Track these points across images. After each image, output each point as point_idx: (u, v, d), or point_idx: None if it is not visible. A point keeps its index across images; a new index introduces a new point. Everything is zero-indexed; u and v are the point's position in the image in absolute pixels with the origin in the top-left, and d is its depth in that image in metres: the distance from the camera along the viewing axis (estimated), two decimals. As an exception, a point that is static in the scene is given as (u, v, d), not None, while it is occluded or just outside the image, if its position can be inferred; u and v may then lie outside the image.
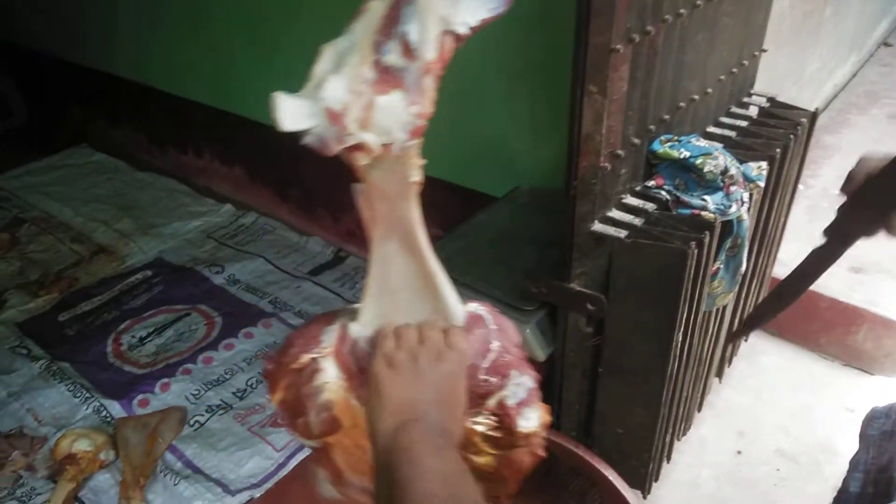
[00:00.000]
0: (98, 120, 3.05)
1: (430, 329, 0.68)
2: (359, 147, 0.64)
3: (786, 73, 1.78)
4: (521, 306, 1.16)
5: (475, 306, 0.77)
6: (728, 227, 1.09)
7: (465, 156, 1.60)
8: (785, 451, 1.42)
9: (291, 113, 0.62)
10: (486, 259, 1.27)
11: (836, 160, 2.11)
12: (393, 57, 0.61)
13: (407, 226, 0.71)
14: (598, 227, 1.03)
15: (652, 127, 1.06)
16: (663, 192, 1.09)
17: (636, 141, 1.02)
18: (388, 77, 0.61)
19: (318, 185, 2.22)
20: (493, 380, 0.71)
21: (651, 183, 1.10)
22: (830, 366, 1.62)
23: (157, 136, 2.81)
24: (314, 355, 0.72)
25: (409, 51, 0.61)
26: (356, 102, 0.61)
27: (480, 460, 0.74)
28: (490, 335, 0.74)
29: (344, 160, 0.66)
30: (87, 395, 1.63)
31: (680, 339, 1.09)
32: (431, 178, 1.99)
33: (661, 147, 1.08)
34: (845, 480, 0.88)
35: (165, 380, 1.68)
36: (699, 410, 1.45)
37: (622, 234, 1.01)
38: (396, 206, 0.70)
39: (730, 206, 1.06)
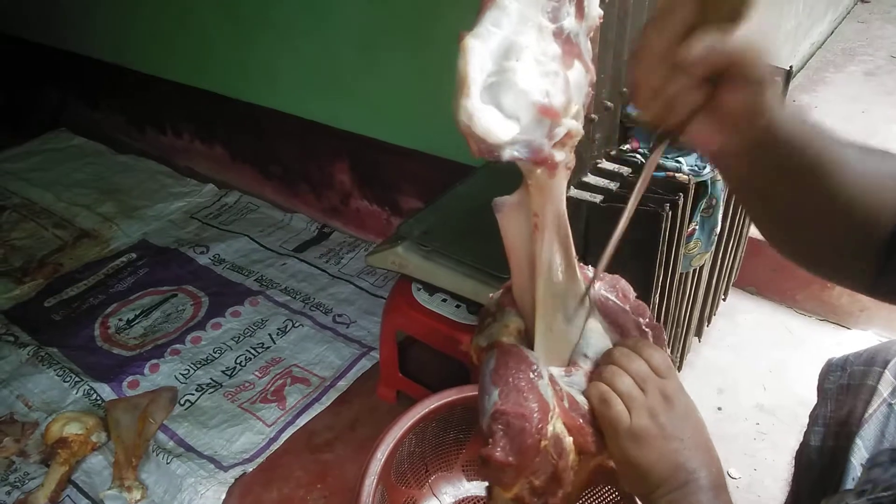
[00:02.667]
0: (75, 103, 3.00)
1: (630, 362, 0.62)
2: (560, 141, 0.54)
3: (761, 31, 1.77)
4: (502, 275, 1.17)
5: (598, 288, 0.69)
6: (703, 188, 1.10)
7: (441, 126, 1.60)
8: (764, 406, 1.46)
9: (497, 121, 0.49)
10: (467, 229, 1.28)
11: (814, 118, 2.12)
12: (570, 21, 0.52)
13: (562, 219, 0.60)
14: (573, 192, 1.04)
15: (625, 89, 1.06)
16: (638, 156, 1.10)
17: (609, 104, 1.03)
18: (569, 47, 0.52)
19: (300, 162, 2.21)
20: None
21: (626, 146, 1.11)
22: (807, 321, 1.66)
23: (135, 117, 2.78)
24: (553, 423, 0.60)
25: (581, 9, 0.52)
26: (555, 85, 0.51)
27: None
28: (617, 306, 0.69)
29: (525, 166, 0.55)
30: (77, 379, 1.63)
31: (657, 300, 1.11)
32: (410, 149, 2.00)
33: (635, 110, 1.09)
34: (806, 434, 0.90)
35: (154, 361, 1.69)
36: (679, 370, 1.49)
37: (597, 198, 1.02)
38: (557, 202, 0.59)
39: (704, 167, 1.07)
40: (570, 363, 0.68)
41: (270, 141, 2.25)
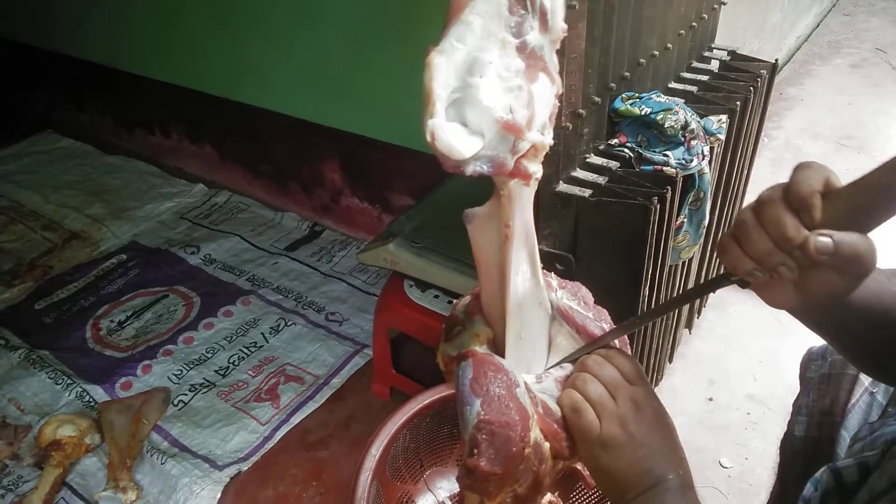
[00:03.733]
0: (62, 104, 2.98)
1: (602, 370, 0.64)
2: (527, 153, 0.54)
3: (747, 25, 1.79)
4: (493, 269, 1.18)
5: (559, 295, 0.71)
6: (690, 181, 1.11)
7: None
8: (754, 396, 1.47)
9: (459, 137, 0.50)
10: (456, 225, 1.28)
11: (799, 111, 2.14)
12: (534, 34, 0.52)
13: (530, 228, 0.61)
14: (562, 187, 1.05)
15: (613, 85, 1.07)
16: (626, 150, 1.10)
17: (597, 99, 1.04)
18: (533, 61, 0.52)
19: (290, 161, 2.21)
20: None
21: (614, 141, 1.12)
22: (797, 312, 1.67)
23: (124, 118, 2.76)
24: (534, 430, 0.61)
25: (545, 23, 0.52)
26: (518, 100, 0.51)
27: None
28: (580, 312, 0.70)
29: (498, 178, 0.56)
30: (69, 381, 1.63)
31: (647, 293, 1.12)
32: (400, 146, 2.00)
33: (623, 105, 1.09)
34: (790, 424, 0.91)
35: (147, 362, 1.69)
36: (670, 361, 1.50)
37: (587, 193, 1.03)
38: (526, 212, 0.60)
39: (691, 161, 1.08)
40: (541, 370, 0.69)
41: (260, 140, 2.25)
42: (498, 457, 0.58)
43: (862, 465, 0.64)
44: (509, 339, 0.65)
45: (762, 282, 0.54)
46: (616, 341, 0.70)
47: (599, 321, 0.71)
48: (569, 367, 0.69)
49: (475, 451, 0.58)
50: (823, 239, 0.50)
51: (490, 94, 0.50)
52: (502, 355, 0.66)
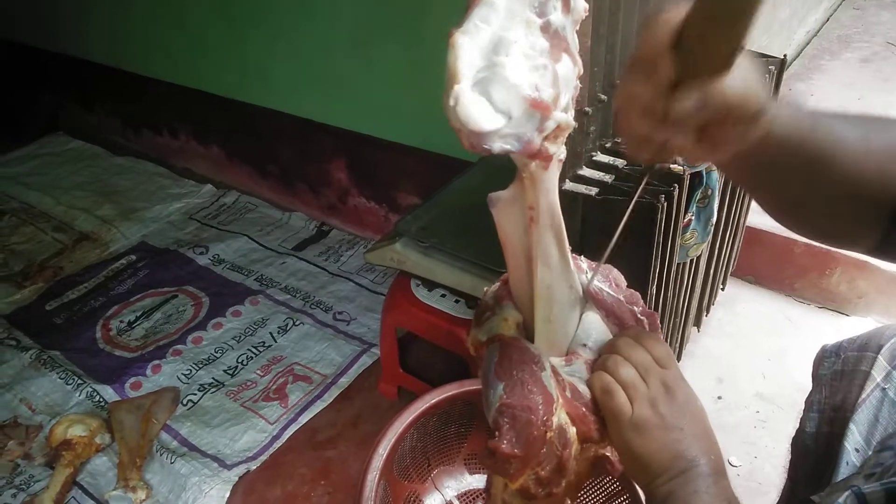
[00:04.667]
0: (71, 106, 3.00)
1: (633, 352, 0.63)
2: (551, 134, 0.54)
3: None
4: (500, 269, 1.18)
5: (589, 277, 0.70)
6: (698, 179, 1.10)
7: (437, 122, 1.60)
8: (764, 394, 1.46)
9: (483, 110, 0.50)
10: (464, 224, 1.28)
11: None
12: (557, 15, 0.52)
13: (556, 210, 0.60)
14: (569, 185, 1.04)
15: (619, 82, 1.07)
16: (633, 148, 1.10)
17: (603, 97, 1.03)
18: (556, 41, 0.52)
19: (297, 161, 2.21)
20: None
21: (620, 139, 1.11)
22: (806, 309, 1.66)
23: (131, 119, 2.78)
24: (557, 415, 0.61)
25: (567, 3, 0.53)
26: (543, 79, 0.51)
27: None
28: (610, 294, 0.70)
29: (519, 159, 0.56)
30: (79, 381, 1.64)
31: (654, 291, 1.12)
32: (406, 146, 2.00)
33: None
34: (801, 421, 0.90)
35: (156, 362, 1.70)
36: (679, 360, 1.49)
37: (593, 191, 1.03)
38: (551, 194, 0.59)
39: (698, 158, 1.07)
40: (570, 353, 0.68)
41: (267, 140, 2.25)
42: (519, 440, 0.59)
43: (890, 492, 0.62)
44: (538, 322, 0.65)
45: (666, 158, 0.54)
46: (647, 324, 0.69)
47: (631, 304, 0.71)
48: (594, 349, 0.68)
49: (497, 433, 0.59)
50: (684, 102, 0.47)
51: (517, 72, 0.50)
52: (532, 339, 0.66)
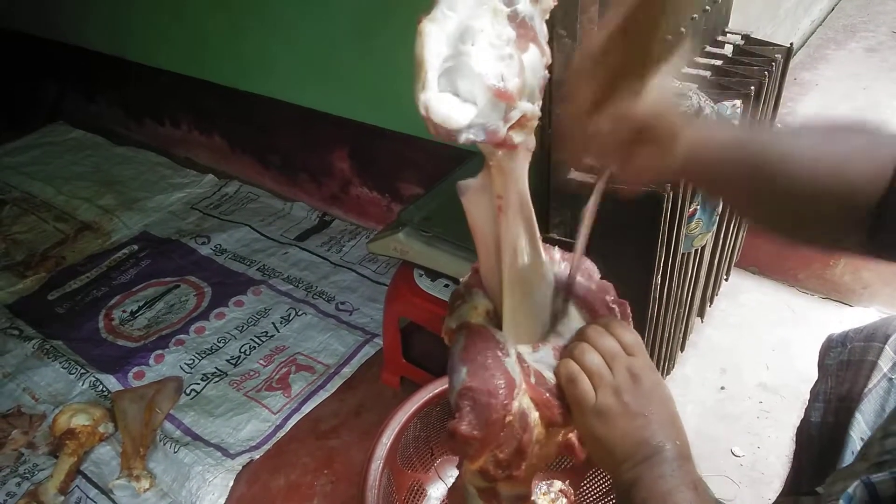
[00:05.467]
0: (73, 95, 2.99)
1: (601, 340, 0.63)
2: (516, 123, 0.54)
3: (761, 10, 1.76)
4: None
5: (563, 267, 0.71)
6: (703, 168, 1.09)
7: (442, 111, 1.59)
8: (767, 385, 1.46)
9: (454, 107, 0.51)
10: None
11: (814, 97, 2.11)
12: (524, 4, 0.52)
13: (525, 199, 0.61)
14: (574, 174, 1.03)
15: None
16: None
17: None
18: (524, 30, 0.53)
19: (298, 151, 2.20)
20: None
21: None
22: (810, 300, 1.66)
23: (133, 108, 2.77)
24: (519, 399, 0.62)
25: None
26: (509, 69, 0.52)
27: None
28: (582, 285, 0.70)
29: (486, 148, 0.56)
30: (82, 370, 1.64)
31: (659, 281, 1.11)
32: (409, 135, 1.98)
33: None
34: (807, 410, 0.90)
35: (159, 351, 1.70)
36: (682, 350, 1.49)
37: (592, 178, 1.02)
38: (520, 183, 0.60)
39: (704, 147, 1.06)
40: (540, 340, 0.69)
41: (269, 130, 2.25)
42: (479, 422, 0.60)
43: None
44: (506, 310, 0.65)
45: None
46: (617, 313, 0.69)
47: (603, 293, 0.71)
48: (566, 337, 0.69)
49: (457, 415, 0.61)
50: (597, 125, 0.54)
51: (482, 61, 0.50)
52: (501, 327, 0.67)
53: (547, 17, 0.55)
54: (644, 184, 0.55)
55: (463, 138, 0.52)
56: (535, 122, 0.56)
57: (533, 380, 0.64)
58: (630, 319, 0.71)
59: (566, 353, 0.65)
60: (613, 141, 0.51)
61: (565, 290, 0.70)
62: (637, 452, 0.59)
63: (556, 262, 0.71)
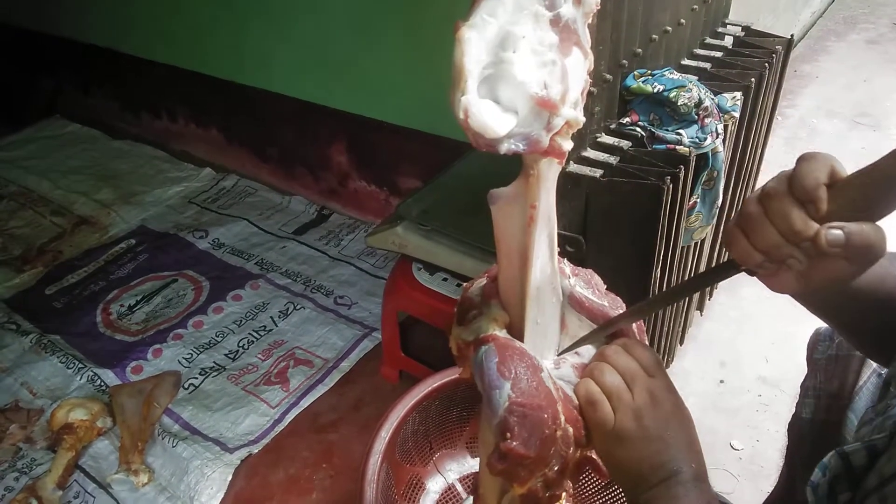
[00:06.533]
0: (69, 89, 2.98)
1: (621, 360, 0.62)
2: (561, 130, 0.52)
3: (761, 1, 1.75)
4: (502, 251, 1.17)
5: (571, 282, 0.69)
6: (703, 160, 1.09)
7: (438, 105, 1.58)
8: (766, 378, 1.46)
9: (493, 115, 0.48)
10: (465, 207, 1.27)
11: (814, 88, 2.10)
12: (568, 7, 0.50)
13: (552, 210, 0.59)
14: (573, 167, 1.03)
15: (624, 61, 1.05)
16: (638, 129, 1.08)
17: (609, 77, 1.02)
18: (566, 34, 0.50)
19: (296, 144, 2.19)
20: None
21: (626, 119, 1.10)
22: (810, 293, 1.65)
23: (130, 102, 2.76)
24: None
25: None
26: (552, 76, 0.50)
27: None
28: (592, 300, 0.69)
29: (528, 157, 0.54)
30: (80, 365, 1.64)
31: (658, 274, 1.11)
32: (407, 128, 1.98)
33: (635, 82, 1.07)
34: (798, 406, 0.90)
35: (157, 346, 1.70)
36: (681, 343, 1.49)
37: (597, 173, 1.01)
38: (552, 193, 0.58)
39: (704, 139, 1.06)
40: (555, 355, 0.68)
41: (267, 123, 2.24)
42: (532, 440, 0.57)
43: (870, 448, 0.62)
44: (528, 324, 0.64)
45: (772, 272, 0.54)
46: (635, 331, 0.68)
47: (613, 309, 0.70)
48: (586, 354, 0.67)
49: (508, 434, 0.57)
50: (835, 232, 0.49)
51: (524, 69, 0.48)
52: (519, 340, 0.65)
53: (590, 20, 0.53)
54: (806, 288, 0.55)
55: (504, 149, 0.50)
56: (577, 129, 0.54)
57: (562, 395, 0.62)
58: (645, 337, 0.70)
59: (587, 372, 0.64)
60: (835, 250, 0.50)
61: (577, 306, 0.68)
62: (653, 475, 0.59)
63: (567, 275, 0.70)
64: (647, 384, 0.61)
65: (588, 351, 0.68)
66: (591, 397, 0.61)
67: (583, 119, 0.54)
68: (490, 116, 0.48)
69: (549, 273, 0.63)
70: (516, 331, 0.65)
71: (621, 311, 0.70)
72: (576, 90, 0.52)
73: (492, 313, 0.66)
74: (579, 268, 0.72)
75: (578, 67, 0.52)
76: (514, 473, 0.59)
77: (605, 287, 0.72)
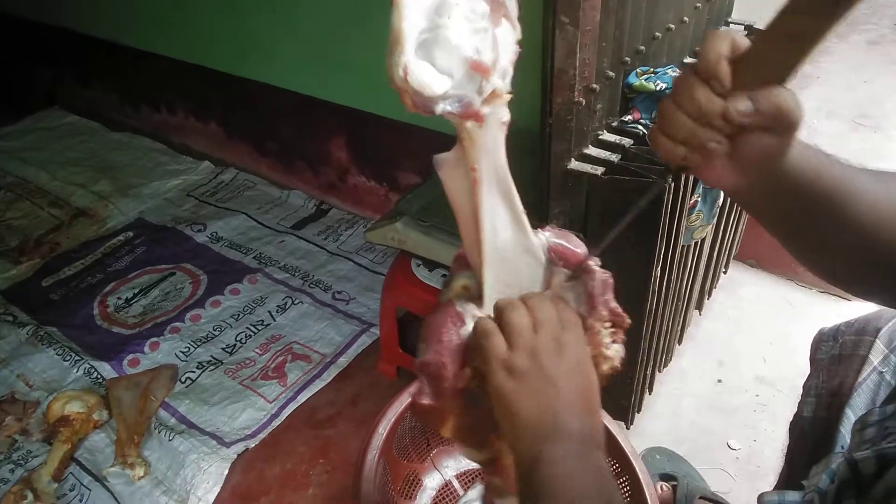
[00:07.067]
0: (68, 80, 2.96)
1: (537, 307, 0.59)
2: (488, 97, 0.55)
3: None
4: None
5: (546, 236, 0.69)
6: (705, 160, 1.08)
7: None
8: (764, 378, 1.46)
9: (432, 75, 0.51)
10: (466, 203, 1.26)
11: (814, 89, 2.09)
12: None
13: (502, 172, 0.61)
14: (574, 164, 1.02)
15: (627, 59, 1.04)
16: (640, 127, 1.08)
17: (611, 74, 1.01)
18: (496, 5, 0.53)
19: (296, 138, 2.18)
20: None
21: (628, 117, 1.09)
22: (808, 294, 1.65)
23: (129, 94, 2.74)
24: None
25: None
26: (484, 42, 0.52)
27: None
28: (567, 246, 0.69)
29: (455, 120, 0.55)
30: (77, 357, 1.63)
31: (658, 273, 1.11)
32: (407, 124, 1.97)
33: (637, 80, 1.07)
34: (799, 405, 0.90)
35: (154, 339, 1.69)
36: (679, 342, 1.49)
37: (599, 170, 1.01)
38: (495, 155, 0.60)
39: (706, 138, 1.05)
40: None
41: (266, 117, 2.23)
42: (433, 392, 0.64)
43: (880, 457, 0.62)
44: (486, 282, 0.65)
45: (698, 162, 0.55)
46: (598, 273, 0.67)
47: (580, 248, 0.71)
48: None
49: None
50: (742, 101, 0.50)
51: (459, 33, 0.51)
52: (478, 294, 0.66)
53: None
54: (734, 176, 0.54)
55: (440, 109, 0.52)
56: (507, 98, 0.56)
57: None
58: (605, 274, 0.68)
59: (496, 306, 0.61)
60: (746, 119, 0.50)
61: (555, 256, 0.68)
62: (541, 423, 0.54)
63: (536, 232, 0.69)
64: (556, 332, 0.58)
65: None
66: (487, 330, 0.59)
67: (509, 88, 0.56)
68: (428, 76, 0.51)
69: (514, 235, 0.64)
70: (481, 291, 0.66)
71: (580, 248, 0.69)
72: (505, 60, 0.55)
73: (454, 282, 0.69)
74: (557, 228, 0.71)
75: (508, 38, 0.54)
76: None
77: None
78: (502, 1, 0.53)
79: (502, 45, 0.54)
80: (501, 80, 0.55)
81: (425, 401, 0.64)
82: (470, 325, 0.64)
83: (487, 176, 0.60)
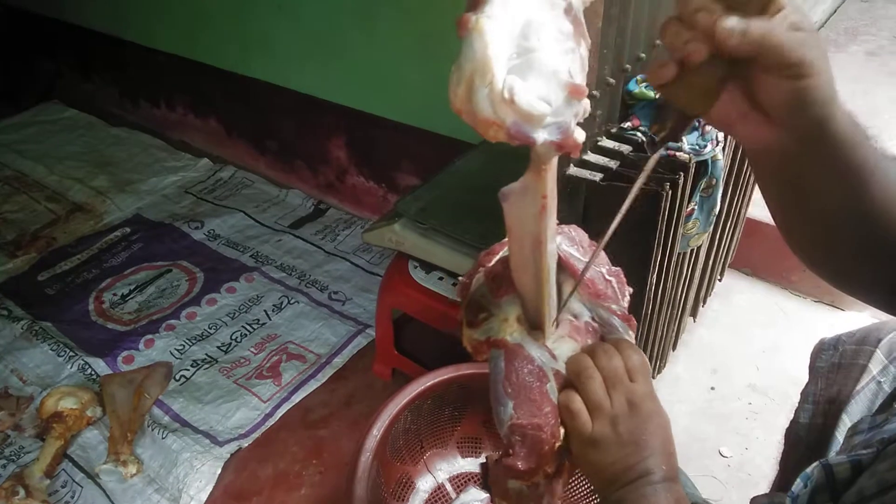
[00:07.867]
0: (68, 74, 2.96)
1: (606, 361, 0.63)
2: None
3: (765, 10, 1.75)
4: (499, 252, 1.17)
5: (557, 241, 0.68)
6: (703, 168, 1.09)
7: (440, 102, 1.58)
8: (757, 386, 1.46)
9: (534, 97, 0.47)
10: (464, 207, 1.27)
11: (815, 99, 2.10)
12: None
13: (555, 194, 0.58)
14: (573, 170, 1.03)
15: (628, 66, 1.05)
16: (639, 134, 1.08)
17: (612, 81, 1.01)
18: (577, 24, 0.49)
19: (295, 137, 2.18)
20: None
21: (627, 124, 1.10)
22: (802, 302, 1.66)
23: (129, 89, 2.74)
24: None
25: None
26: (574, 64, 0.48)
27: None
28: (578, 259, 0.69)
29: (544, 149, 0.52)
30: (71, 353, 1.63)
31: (654, 280, 1.11)
32: (407, 125, 1.97)
33: (637, 87, 1.07)
34: (796, 412, 0.91)
35: (149, 336, 1.69)
36: (673, 349, 1.49)
37: (597, 177, 1.01)
38: (554, 179, 0.58)
39: (705, 146, 1.06)
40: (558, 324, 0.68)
41: (266, 115, 2.23)
42: (531, 455, 0.63)
43: (855, 463, 0.63)
44: (547, 307, 0.64)
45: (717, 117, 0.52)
46: (615, 284, 0.69)
47: (600, 266, 0.71)
48: (580, 312, 0.68)
49: (511, 451, 0.64)
50: (731, 20, 0.46)
51: (552, 56, 0.47)
52: (534, 324, 0.66)
53: (587, 4, 0.52)
54: (770, 134, 0.50)
55: (541, 139, 0.48)
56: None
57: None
58: (625, 286, 0.70)
59: (571, 375, 0.64)
60: (732, 47, 0.46)
61: (562, 264, 0.68)
62: (625, 477, 0.60)
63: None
64: (628, 391, 0.62)
65: (581, 311, 0.68)
66: (570, 406, 0.63)
67: (589, 109, 0.52)
68: (532, 96, 0.45)
69: (553, 253, 0.64)
70: (530, 316, 0.66)
71: (604, 267, 0.70)
72: (584, 80, 0.52)
73: (502, 314, 0.68)
74: (562, 225, 0.71)
75: (586, 58, 0.51)
76: (519, 479, 0.66)
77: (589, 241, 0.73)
78: (580, 20, 0.49)
79: (587, 64, 0.50)
80: (588, 102, 0.51)
81: (522, 465, 0.63)
82: (553, 382, 0.65)
83: (552, 202, 0.57)
